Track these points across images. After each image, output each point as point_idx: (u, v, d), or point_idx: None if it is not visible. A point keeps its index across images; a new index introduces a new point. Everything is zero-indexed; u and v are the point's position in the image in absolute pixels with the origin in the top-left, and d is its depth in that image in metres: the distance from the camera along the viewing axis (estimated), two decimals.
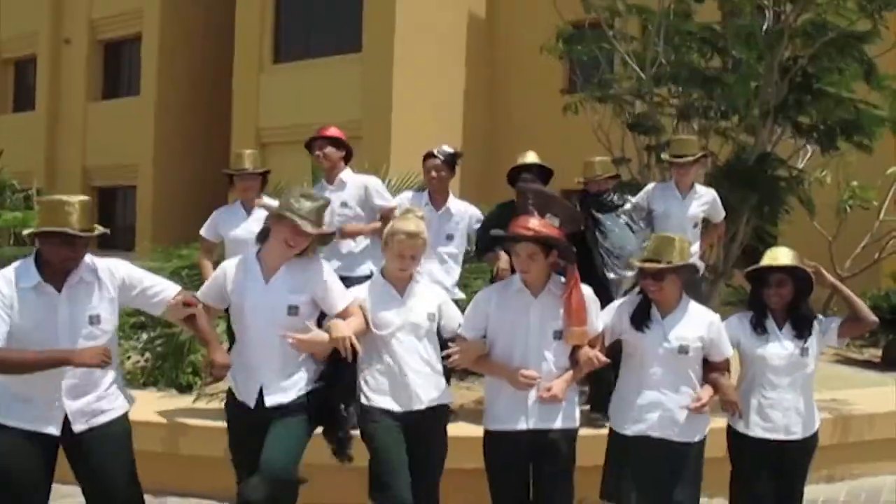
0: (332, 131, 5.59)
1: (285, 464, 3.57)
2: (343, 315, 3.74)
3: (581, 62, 8.89)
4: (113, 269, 3.54)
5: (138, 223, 18.97)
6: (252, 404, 3.69)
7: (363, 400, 3.78)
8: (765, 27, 7.24)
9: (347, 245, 5.48)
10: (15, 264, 3.48)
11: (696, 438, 3.86)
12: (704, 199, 5.86)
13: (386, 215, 5.35)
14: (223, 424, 3.90)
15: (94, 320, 3.45)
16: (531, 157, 5.56)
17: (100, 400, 3.51)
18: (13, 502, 3.38)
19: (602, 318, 3.95)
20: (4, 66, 22.78)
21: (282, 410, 3.65)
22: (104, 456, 3.50)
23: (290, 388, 3.69)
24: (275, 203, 4.30)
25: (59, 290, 3.41)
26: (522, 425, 3.74)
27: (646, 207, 5.88)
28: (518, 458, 3.77)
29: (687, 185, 5.83)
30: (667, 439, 3.80)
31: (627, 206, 5.61)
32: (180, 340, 6.57)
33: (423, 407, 3.77)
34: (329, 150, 5.50)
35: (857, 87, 7.35)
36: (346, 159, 5.61)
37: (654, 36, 7.61)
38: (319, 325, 3.73)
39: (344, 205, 5.45)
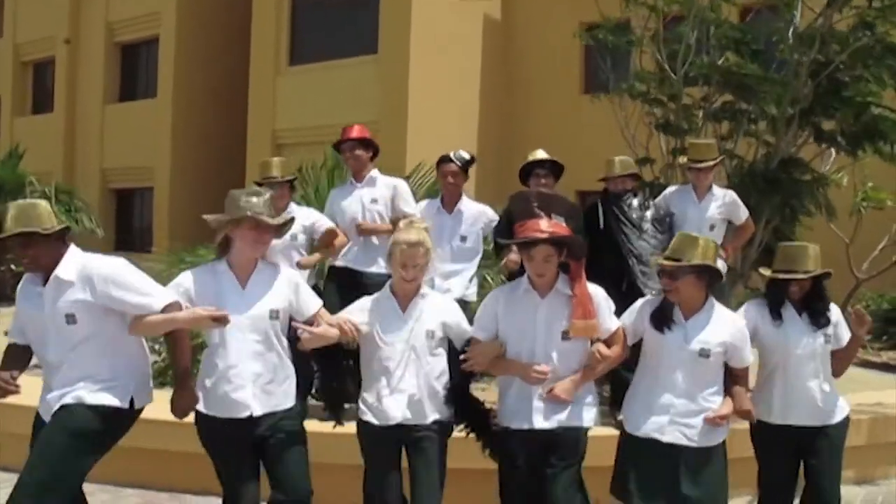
0: (358, 131, 5.72)
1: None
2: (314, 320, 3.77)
3: (606, 59, 8.75)
4: (93, 271, 3.41)
5: (155, 224, 19.07)
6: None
7: (361, 416, 3.79)
8: (791, 29, 7.16)
9: (368, 239, 5.59)
10: None
11: (712, 443, 3.75)
12: (722, 201, 5.86)
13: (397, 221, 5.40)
14: None
15: (70, 320, 3.38)
16: (541, 154, 5.70)
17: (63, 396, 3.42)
18: None
19: (624, 317, 3.93)
20: (23, 68, 22.94)
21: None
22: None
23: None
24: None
25: (44, 286, 3.44)
26: (527, 424, 3.71)
27: (665, 211, 5.87)
28: (526, 455, 3.70)
29: (704, 189, 5.84)
30: (678, 444, 3.70)
31: (650, 211, 5.61)
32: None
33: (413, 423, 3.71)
34: (359, 152, 5.69)
35: (884, 93, 7.25)
36: (373, 157, 5.79)
37: (689, 33, 7.49)
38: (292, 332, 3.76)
39: (374, 201, 5.61)
